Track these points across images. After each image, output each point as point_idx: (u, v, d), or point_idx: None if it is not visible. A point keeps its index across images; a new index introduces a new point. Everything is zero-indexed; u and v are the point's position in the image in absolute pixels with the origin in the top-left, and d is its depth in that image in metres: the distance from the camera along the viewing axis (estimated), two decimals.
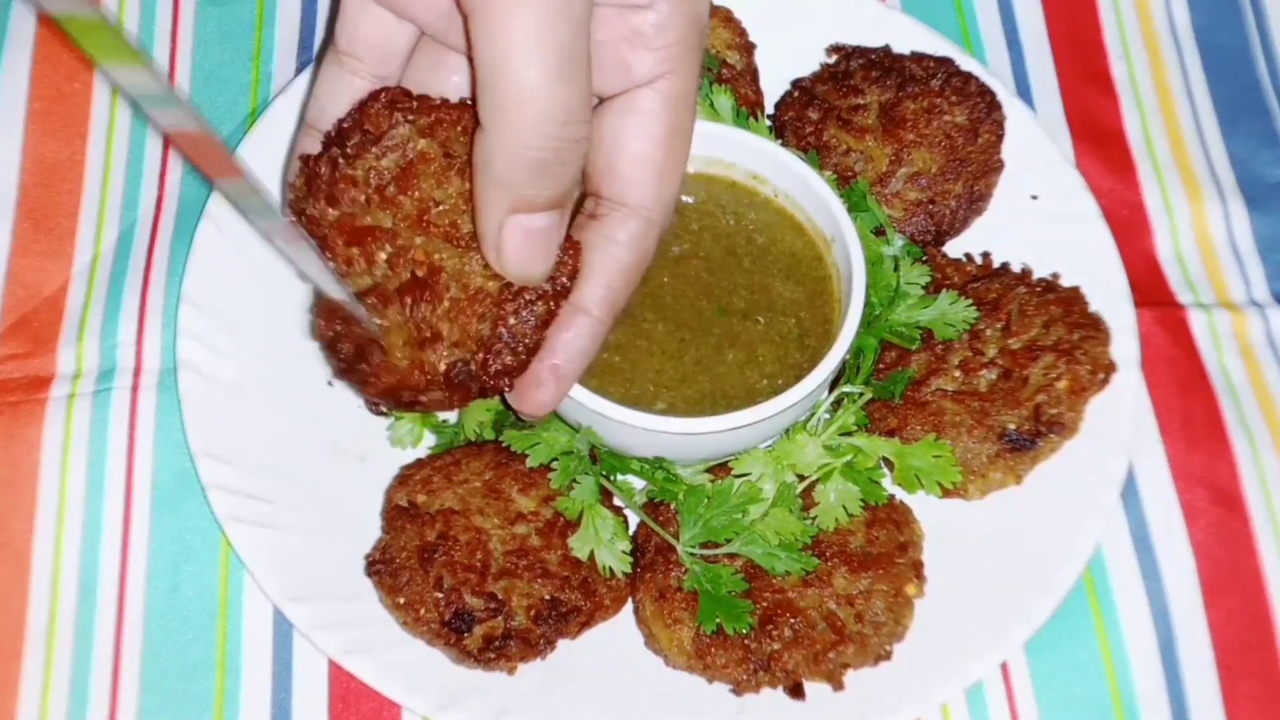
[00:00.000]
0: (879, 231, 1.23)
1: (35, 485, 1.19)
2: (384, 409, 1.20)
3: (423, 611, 1.05)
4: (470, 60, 0.84)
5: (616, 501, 1.15)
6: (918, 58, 1.29)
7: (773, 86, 1.33)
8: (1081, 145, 1.40)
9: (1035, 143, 1.30)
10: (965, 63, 1.30)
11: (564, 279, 0.91)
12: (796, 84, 1.32)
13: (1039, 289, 1.20)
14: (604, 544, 1.08)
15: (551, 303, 0.92)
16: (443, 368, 0.91)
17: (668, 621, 1.07)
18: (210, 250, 1.23)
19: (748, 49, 1.33)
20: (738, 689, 1.07)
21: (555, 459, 1.10)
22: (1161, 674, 1.15)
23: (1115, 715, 1.13)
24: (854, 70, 1.29)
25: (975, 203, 1.26)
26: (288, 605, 1.10)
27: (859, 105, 1.27)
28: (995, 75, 1.34)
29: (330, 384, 1.23)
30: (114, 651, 1.14)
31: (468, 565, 1.06)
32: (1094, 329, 1.16)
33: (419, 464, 1.15)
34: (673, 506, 1.11)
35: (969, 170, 1.24)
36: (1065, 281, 1.21)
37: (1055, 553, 1.12)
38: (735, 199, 1.19)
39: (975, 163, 1.24)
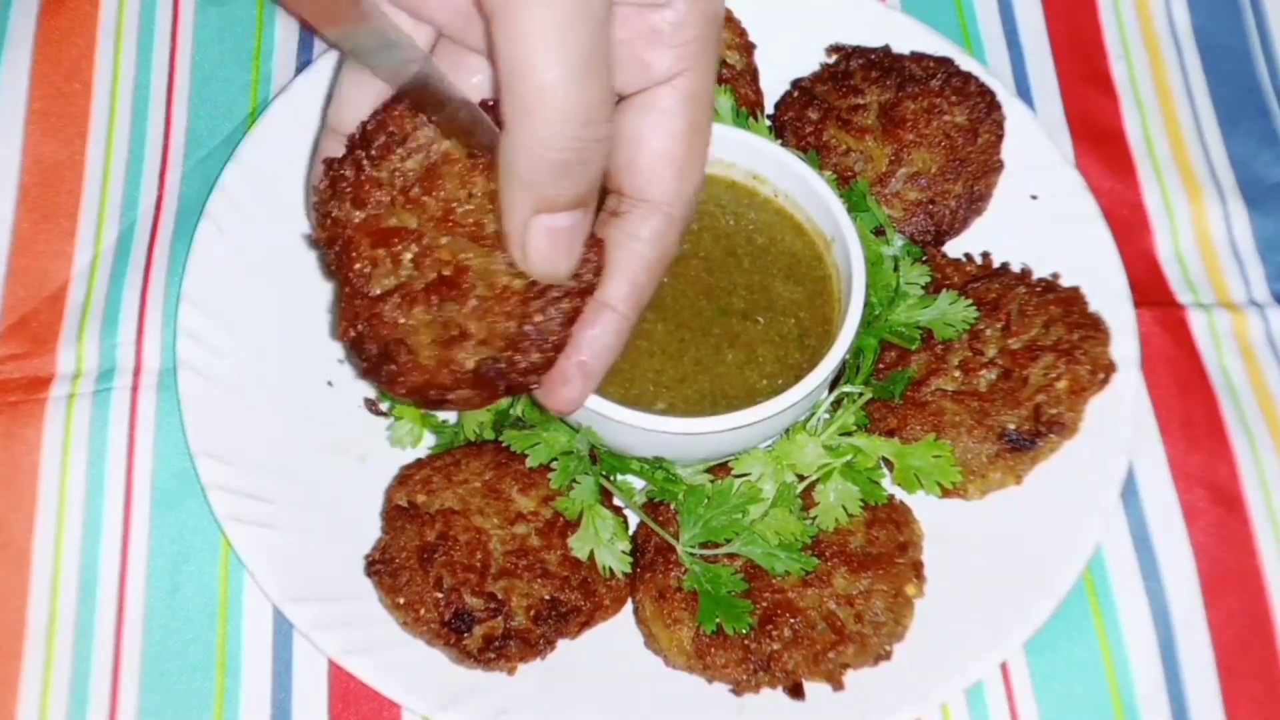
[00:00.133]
0: (879, 231, 1.23)
1: (35, 485, 1.19)
2: (384, 409, 1.21)
3: (423, 611, 1.05)
4: (491, 61, 0.85)
5: (616, 501, 1.15)
6: (918, 58, 1.29)
7: (773, 86, 1.33)
8: (1081, 145, 1.40)
9: (1035, 143, 1.30)
10: (965, 63, 1.30)
11: (589, 276, 0.92)
12: (796, 84, 1.32)
13: (1039, 289, 1.20)
14: (604, 544, 1.08)
15: (577, 300, 0.92)
16: (471, 366, 0.92)
17: (668, 621, 1.07)
18: (210, 250, 1.23)
19: (748, 49, 1.33)
20: (738, 689, 1.07)
21: (555, 459, 1.10)
22: (1161, 674, 1.15)
23: (1115, 715, 1.13)
24: (854, 70, 1.29)
25: (975, 203, 1.26)
26: (288, 605, 1.10)
27: (859, 105, 1.27)
28: (995, 75, 1.34)
29: (330, 384, 1.23)
30: (114, 651, 1.14)
31: (468, 565, 1.06)
32: (1094, 329, 1.16)
33: (419, 464, 1.15)
34: (673, 506, 1.11)
35: (969, 170, 1.24)
36: (1065, 281, 1.21)
37: (1055, 553, 1.12)
38: (735, 199, 1.19)
39: (975, 163, 1.25)
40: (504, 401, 1.16)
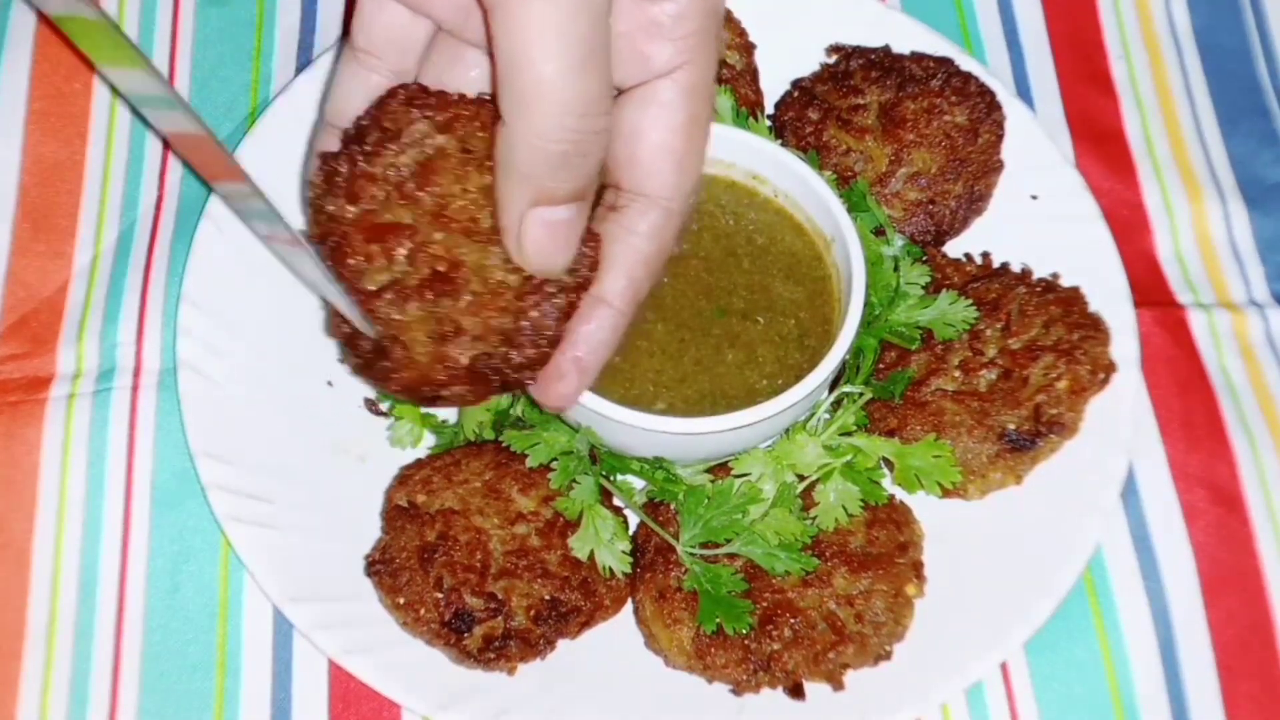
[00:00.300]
0: (879, 231, 1.23)
1: (35, 485, 1.19)
2: (384, 409, 1.21)
3: (423, 611, 1.05)
4: (490, 54, 0.85)
5: (616, 501, 1.15)
6: (918, 58, 1.29)
7: (773, 86, 1.33)
8: (1081, 145, 1.40)
9: (1035, 143, 1.30)
10: (965, 63, 1.30)
11: (585, 271, 0.92)
12: (796, 84, 1.32)
13: (1039, 289, 1.20)
14: (604, 544, 1.08)
15: (573, 295, 0.92)
16: (465, 361, 0.92)
17: (668, 621, 1.07)
18: (210, 250, 1.23)
19: (748, 49, 1.33)
20: (738, 689, 1.07)
21: (555, 459, 1.10)
22: (1161, 674, 1.15)
23: (1115, 715, 1.13)
24: (854, 70, 1.29)
25: (975, 203, 1.26)
26: (288, 605, 1.10)
27: (859, 105, 1.27)
28: (995, 75, 1.34)
29: (330, 384, 1.23)
30: (114, 651, 1.14)
31: (468, 565, 1.06)
32: (1094, 329, 1.16)
33: (419, 464, 1.15)
34: (673, 506, 1.11)
35: (969, 170, 1.24)
36: (1065, 281, 1.21)
37: (1055, 553, 1.12)
38: (735, 199, 1.19)
39: (975, 163, 1.25)
40: (504, 401, 1.16)
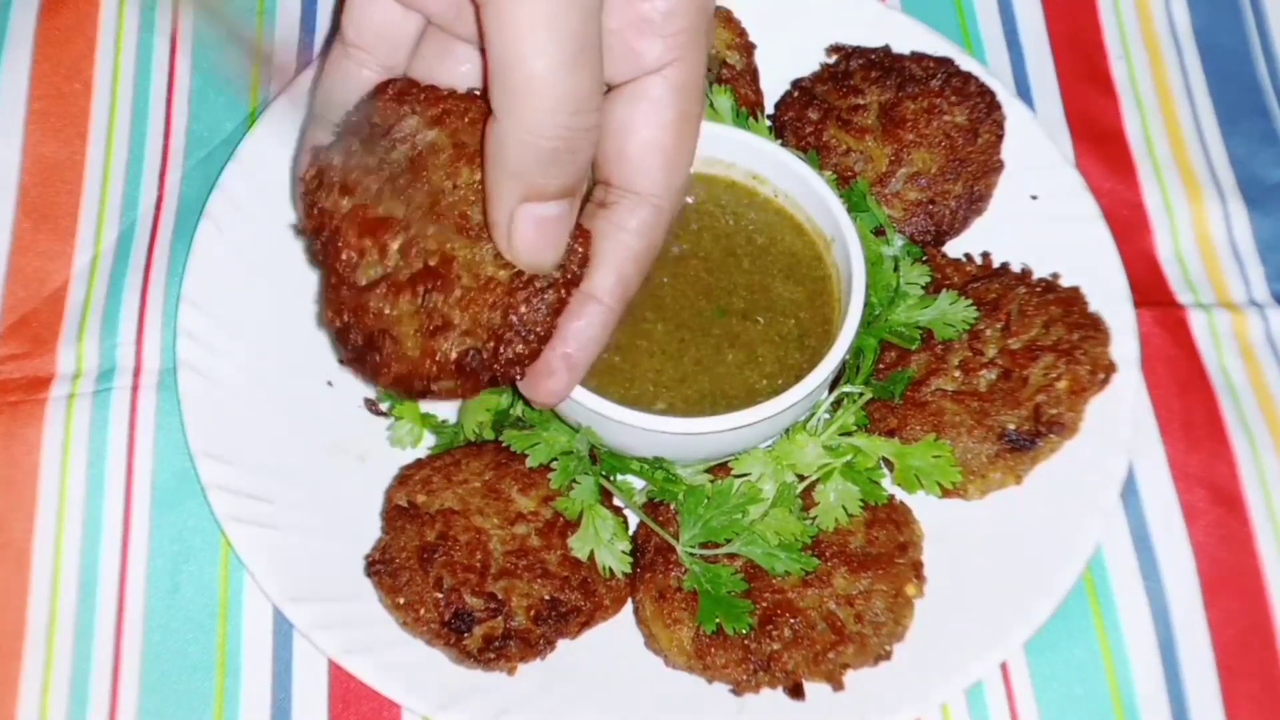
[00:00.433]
0: (879, 231, 1.23)
1: (35, 485, 1.19)
2: (384, 409, 1.21)
3: (423, 611, 1.05)
4: (481, 50, 0.85)
5: (616, 501, 1.15)
6: (918, 58, 1.29)
7: (773, 86, 1.33)
8: (1081, 145, 1.40)
9: (1035, 143, 1.30)
10: (965, 63, 1.30)
11: (575, 267, 0.92)
12: (796, 84, 1.32)
13: (1039, 289, 1.20)
14: (604, 544, 1.08)
15: (563, 291, 0.92)
16: (454, 356, 0.92)
17: (668, 621, 1.07)
18: (210, 250, 1.23)
19: (748, 49, 1.33)
20: (738, 689, 1.07)
21: (555, 459, 1.10)
22: (1161, 674, 1.15)
23: (1115, 715, 1.13)
24: (854, 70, 1.29)
25: (975, 203, 1.26)
26: (288, 605, 1.10)
27: (859, 105, 1.27)
28: (995, 75, 1.34)
29: (330, 384, 1.23)
30: (114, 651, 1.14)
31: (468, 565, 1.06)
32: (1094, 329, 1.16)
33: (419, 464, 1.15)
34: (672, 506, 1.11)
35: (969, 170, 1.24)
36: (1065, 281, 1.21)
37: (1055, 553, 1.12)
38: (735, 199, 1.19)
39: (975, 163, 1.24)
40: (504, 401, 1.16)
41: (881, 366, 1.19)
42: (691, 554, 1.08)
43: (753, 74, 1.32)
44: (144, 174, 1.35)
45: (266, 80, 1.41)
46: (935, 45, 1.33)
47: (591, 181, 0.93)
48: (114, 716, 1.12)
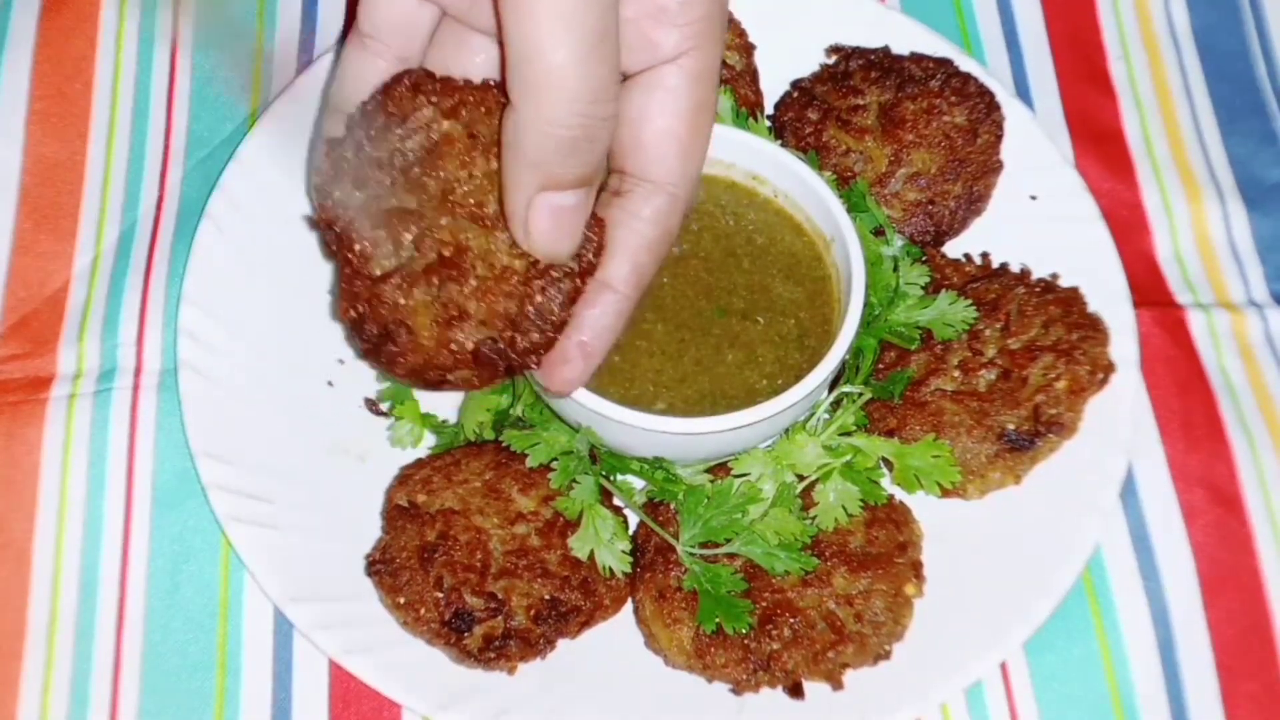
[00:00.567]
0: (878, 232, 1.23)
1: (35, 485, 1.19)
2: (384, 409, 1.21)
3: (423, 611, 1.06)
4: (499, 40, 0.85)
5: (616, 501, 1.15)
6: (917, 58, 1.29)
7: (772, 87, 1.33)
8: (1081, 145, 1.40)
9: (1034, 143, 1.30)
10: (964, 63, 1.30)
11: (590, 256, 0.92)
12: (796, 84, 1.32)
13: (1038, 289, 1.20)
14: (604, 544, 1.08)
15: (578, 280, 0.92)
16: (470, 346, 0.92)
17: (667, 621, 1.07)
18: (210, 250, 1.23)
19: (747, 49, 1.33)
20: (737, 689, 1.07)
21: (555, 459, 1.10)
22: (1161, 674, 1.15)
23: (1115, 715, 1.13)
24: (853, 71, 1.29)
25: (974, 203, 1.26)
26: (288, 605, 1.10)
27: (858, 106, 1.27)
28: (994, 75, 1.34)
29: (330, 384, 1.23)
30: (114, 651, 1.14)
31: (468, 565, 1.06)
32: (1093, 329, 1.16)
33: (419, 464, 1.15)
34: (672, 506, 1.11)
35: (968, 171, 1.24)
36: (1064, 282, 1.21)
37: (1054, 553, 1.12)
38: (735, 199, 1.19)
39: (974, 163, 1.25)
40: (504, 401, 1.16)
41: (881, 366, 1.19)
42: (691, 554, 1.08)
43: (752, 74, 1.32)
44: (144, 174, 1.35)
45: (267, 80, 1.41)
46: (935, 46, 1.33)
47: (606, 171, 0.93)
48: (114, 716, 1.12)
